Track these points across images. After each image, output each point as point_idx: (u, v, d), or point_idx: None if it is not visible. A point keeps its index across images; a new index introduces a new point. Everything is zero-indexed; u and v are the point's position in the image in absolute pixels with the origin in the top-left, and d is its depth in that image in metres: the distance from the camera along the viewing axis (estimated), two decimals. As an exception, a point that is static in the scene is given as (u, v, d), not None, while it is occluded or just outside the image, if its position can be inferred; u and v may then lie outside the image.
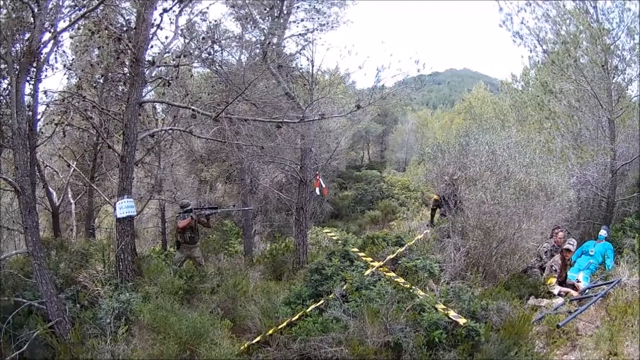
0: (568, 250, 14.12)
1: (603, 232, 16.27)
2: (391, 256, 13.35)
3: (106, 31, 13.39)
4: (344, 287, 11.22)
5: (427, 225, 17.34)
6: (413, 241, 14.60)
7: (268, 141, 15.12)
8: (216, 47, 14.67)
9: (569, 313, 11.69)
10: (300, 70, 17.32)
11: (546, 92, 20.50)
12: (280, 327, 10.65)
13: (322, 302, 11.14)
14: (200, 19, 14.73)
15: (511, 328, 10.00)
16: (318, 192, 18.16)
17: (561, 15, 19.28)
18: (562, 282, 14.09)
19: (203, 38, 14.37)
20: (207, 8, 14.58)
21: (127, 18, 14.08)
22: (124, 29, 13.56)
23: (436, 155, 15.51)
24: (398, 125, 61.90)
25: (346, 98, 20.99)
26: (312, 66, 16.43)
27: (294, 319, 10.76)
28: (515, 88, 32.73)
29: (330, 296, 11.19)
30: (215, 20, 14.75)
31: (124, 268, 12.49)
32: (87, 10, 11.86)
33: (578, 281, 14.45)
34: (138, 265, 13.27)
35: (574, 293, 13.45)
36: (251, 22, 16.86)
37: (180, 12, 13.72)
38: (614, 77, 18.74)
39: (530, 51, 20.24)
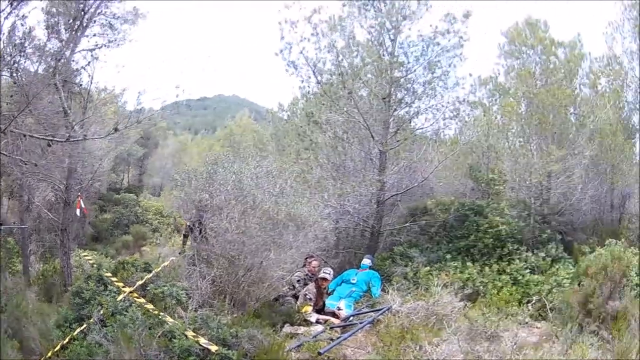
0: (324, 279, 14.97)
1: (366, 261, 17.19)
2: (140, 282, 13.73)
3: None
4: (101, 312, 11.61)
5: (179, 253, 17.70)
6: (160, 268, 15.14)
7: (42, 158, 15.32)
8: (22, 55, 14.44)
9: (332, 340, 12.06)
10: (80, 87, 17.73)
11: (310, 122, 21.29)
12: (55, 349, 11.07)
13: (85, 326, 11.56)
14: (20, 24, 14.28)
15: (264, 355, 10.45)
16: (79, 213, 18.71)
17: (349, 46, 20.23)
18: (321, 310, 14.75)
19: (14, 45, 14.06)
20: (29, 12, 14.28)
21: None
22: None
23: (184, 182, 15.85)
24: (158, 149, 63.35)
25: (116, 118, 20.88)
26: (91, 83, 17.25)
27: (65, 342, 11.17)
28: (280, 117, 34.61)
29: (91, 320, 11.59)
30: (30, 27, 14.60)
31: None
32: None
33: (339, 309, 15.01)
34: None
35: (335, 320, 14.12)
36: (55, 33, 17.12)
37: (9, 14, 13.58)
38: (395, 109, 20.12)
39: (303, 81, 20.68)
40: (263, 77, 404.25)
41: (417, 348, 11.02)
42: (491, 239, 19.00)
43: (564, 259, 18.70)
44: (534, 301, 15.77)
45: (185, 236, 17.74)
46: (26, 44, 14.48)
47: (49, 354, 10.97)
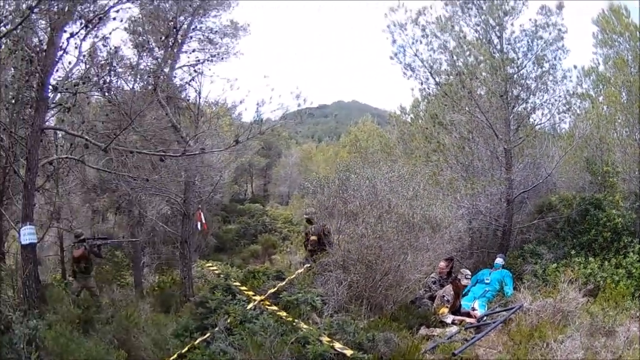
0: (463, 280, 15.32)
1: (499, 260, 17.90)
2: (272, 290, 14.62)
3: (22, 51, 13.87)
4: (228, 321, 12.24)
5: (306, 260, 18.14)
6: (294, 275, 15.88)
7: (154, 173, 16.18)
8: (113, 74, 15.27)
9: (466, 341, 12.56)
10: (188, 102, 18.65)
11: (435, 124, 21.89)
12: (171, 359, 11.67)
13: (208, 335, 12.11)
14: (102, 45, 15.49)
15: (400, 357, 10.99)
16: (199, 227, 19.34)
17: (460, 46, 20.68)
18: (456, 311, 15.22)
19: (102, 65, 15.11)
20: (110, 33, 15.44)
21: (41, 39, 14.78)
22: (37, 49, 14.20)
23: (316, 190, 16.51)
24: (282, 159, 65.14)
25: (231, 131, 22.31)
26: (199, 98, 17.81)
27: (183, 351, 11.73)
28: (404, 120, 34.83)
29: (216, 329, 12.13)
30: (115, 47, 15.67)
31: (30, 295, 13.22)
32: (11, 28, 12.97)
33: (474, 309, 15.69)
34: (42, 292, 14.21)
35: (470, 320, 14.68)
36: (147, 51, 18.19)
37: (85, 37, 14.42)
38: (514, 106, 20.65)
39: (422, 83, 21.42)
40: (380, 81, 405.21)
41: (544, 345, 11.37)
42: (609, 233, 19.08)
43: (678, 251, 18.75)
44: (645, 294, 16.06)
45: (312, 251, 17.80)
46: (114, 64, 15.45)
47: (163, 363, 11.69)
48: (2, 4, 13.69)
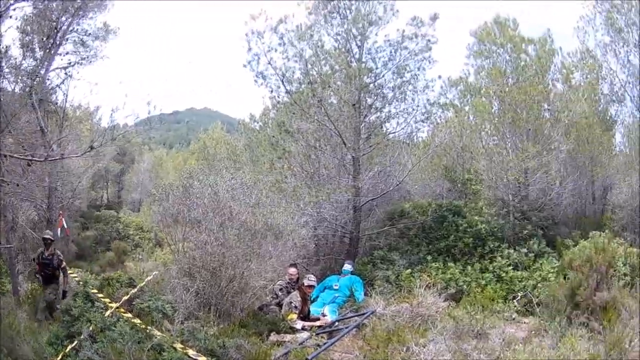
0: (309, 286, 15.25)
1: (347, 267, 17.66)
2: (125, 297, 14.03)
3: None
4: (90, 328, 11.79)
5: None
6: (144, 282, 15.43)
7: (23, 178, 15.55)
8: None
9: (318, 346, 12.27)
10: (56, 105, 18.06)
11: (282, 131, 21.73)
12: None
13: (75, 342, 11.67)
14: None
15: None
16: (59, 233, 18.62)
17: (317, 55, 20.49)
18: (306, 317, 14.86)
19: None
20: (6, 31, 14.78)
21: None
22: None
23: (162, 197, 16.11)
24: (135, 165, 64.08)
25: (91, 136, 21.77)
26: (66, 101, 17.52)
27: (57, 359, 11.37)
28: (252, 128, 35.18)
29: (81, 337, 11.68)
30: (7, 46, 15.30)
31: None
32: None
33: (324, 315, 15.43)
34: None
35: (320, 324, 14.57)
36: (30, 51, 17.63)
37: None
38: (366, 115, 20.73)
39: (272, 91, 20.94)
40: (233, 89, 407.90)
41: (404, 349, 11.30)
42: (471, 238, 19.54)
43: (548, 254, 19.31)
44: (519, 297, 16.61)
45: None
46: (3, 63, 15.26)
47: (42, 371, 11.27)
48: None
